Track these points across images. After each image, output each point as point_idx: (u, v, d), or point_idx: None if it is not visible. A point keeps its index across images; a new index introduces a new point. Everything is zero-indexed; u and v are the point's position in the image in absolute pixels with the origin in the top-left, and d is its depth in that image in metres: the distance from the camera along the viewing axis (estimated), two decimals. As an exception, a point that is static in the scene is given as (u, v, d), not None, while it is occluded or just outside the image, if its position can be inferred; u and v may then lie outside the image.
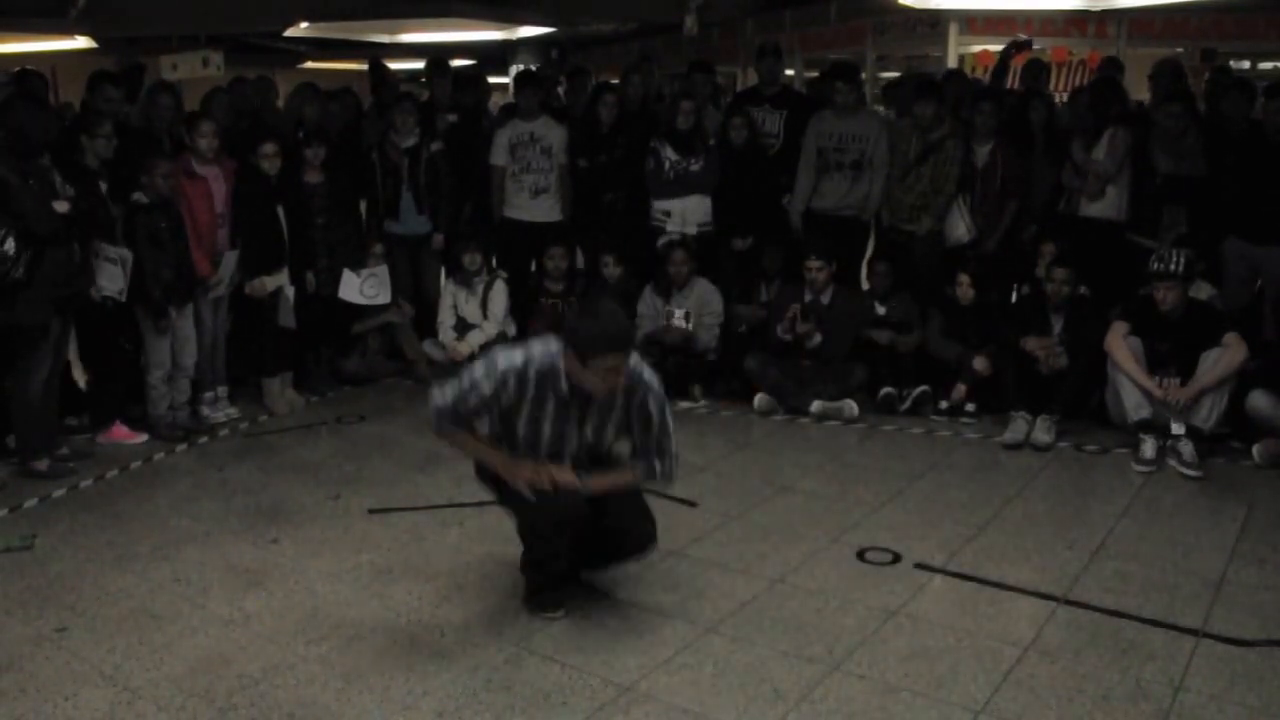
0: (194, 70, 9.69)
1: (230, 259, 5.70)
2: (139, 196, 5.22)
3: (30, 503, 4.64)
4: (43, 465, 4.92)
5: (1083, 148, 6.19)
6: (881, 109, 8.01)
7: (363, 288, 6.38)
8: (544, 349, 3.46)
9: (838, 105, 6.53)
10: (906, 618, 3.55)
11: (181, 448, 5.44)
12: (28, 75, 6.34)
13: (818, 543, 4.17)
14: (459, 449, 3.64)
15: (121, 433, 5.47)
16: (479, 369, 3.44)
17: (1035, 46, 10.54)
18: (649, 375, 3.51)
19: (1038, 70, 7.45)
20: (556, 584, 3.65)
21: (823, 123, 6.56)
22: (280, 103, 7.57)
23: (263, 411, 6.01)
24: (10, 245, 4.52)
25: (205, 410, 5.83)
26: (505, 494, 3.56)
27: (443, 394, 3.47)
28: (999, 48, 10.80)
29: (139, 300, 5.25)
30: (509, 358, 3.43)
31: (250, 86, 7.30)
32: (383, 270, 6.49)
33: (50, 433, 5.06)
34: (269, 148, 5.76)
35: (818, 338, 5.98)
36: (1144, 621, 3.51)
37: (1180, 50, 10.60)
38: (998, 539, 4.23)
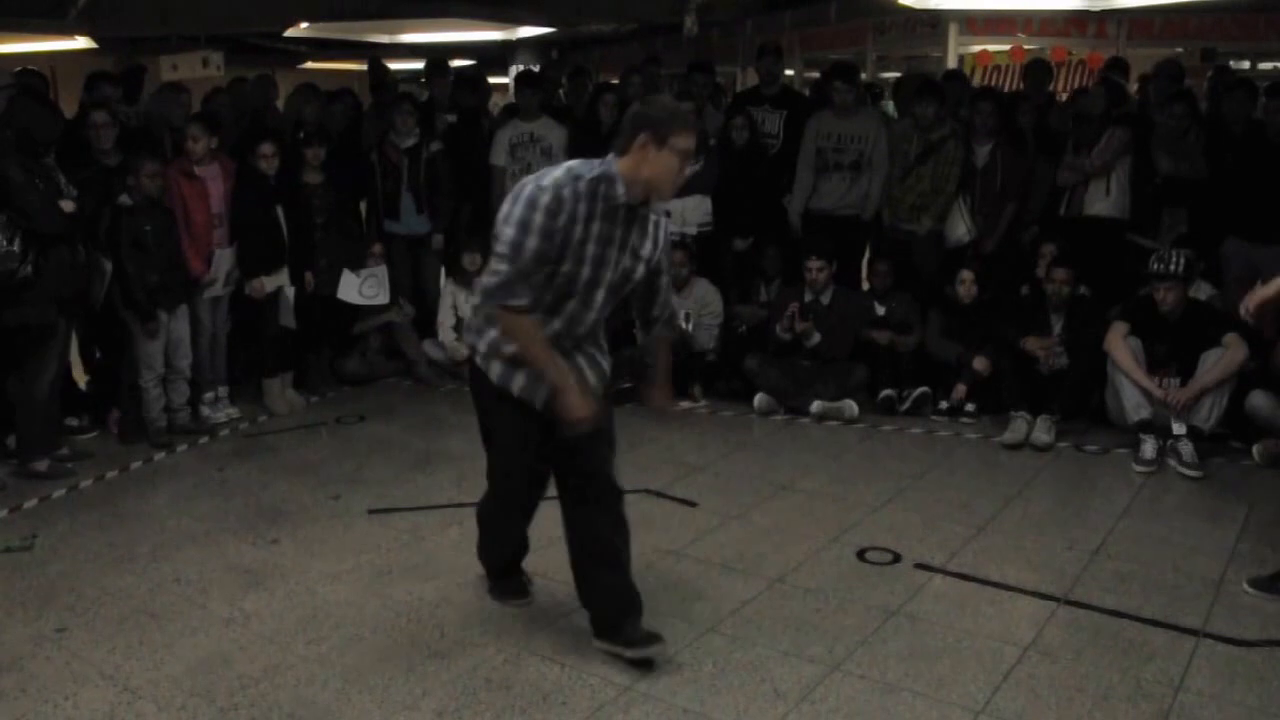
0: (194, 70, 9.68)
1: (223, 256, 5.69)
2: (124, 199, 5.21)
3: (30, 503, 4.64)
4: (42, 466, 4.92)
5: (1073, 149, 6.20)
6: (892, 104, 7.99)
7: (362, 288, 6.38)
8: (582, 165, 3.08)
9: (836, 105, 6.53)
10: (906, 618, 3.55)
11: (182, 448, 5.44)
12: (28, 75, 6.34)
13: (818, 543, 4.17)
14: (516, 337, 3.07)
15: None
16: (519, 214, 2.95)
17: (1035, 47, 10.56)
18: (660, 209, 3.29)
19: (1040, 71, 7.45)
20: (512, 568, 3.66)
21: (821, 123, 6.56)
22: (280, 103, 7.57)
23: (263, 411, 6.01)
24: (17, 244, 4.53)
25: (205, 410, 5.83)
26: (495, 436, 3.32)
27: (504, 273, 2.99)
28: (999, 48, 10.84)
29: (126, 304, 5.24)
30: (546, 177, 3.01)
31: (251, 86, 7.31)
32: (382, 270, 6.49)
33: (50, 434, 5.06)
34: (266, 148, 5.75)
35: (816, 336, 5.98)
36: (1144, 621, 3.51)
37: (1180, 50, 10.59)
38: (998, 539, 4.23)
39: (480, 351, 3.23)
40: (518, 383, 3.18)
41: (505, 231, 2.98)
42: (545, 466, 3.30)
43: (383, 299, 6.51)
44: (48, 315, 4.80)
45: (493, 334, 3.17)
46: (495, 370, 3.20)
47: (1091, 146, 6.14)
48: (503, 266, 3.00)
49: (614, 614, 3.30)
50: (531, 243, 2.96)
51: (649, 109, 3.07)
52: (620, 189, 3.02)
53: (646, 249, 3.19)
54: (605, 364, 3.34)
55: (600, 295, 3.15)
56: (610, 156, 3.06)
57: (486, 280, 3.08)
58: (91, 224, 5.04)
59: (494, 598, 3.66)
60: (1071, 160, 6.16)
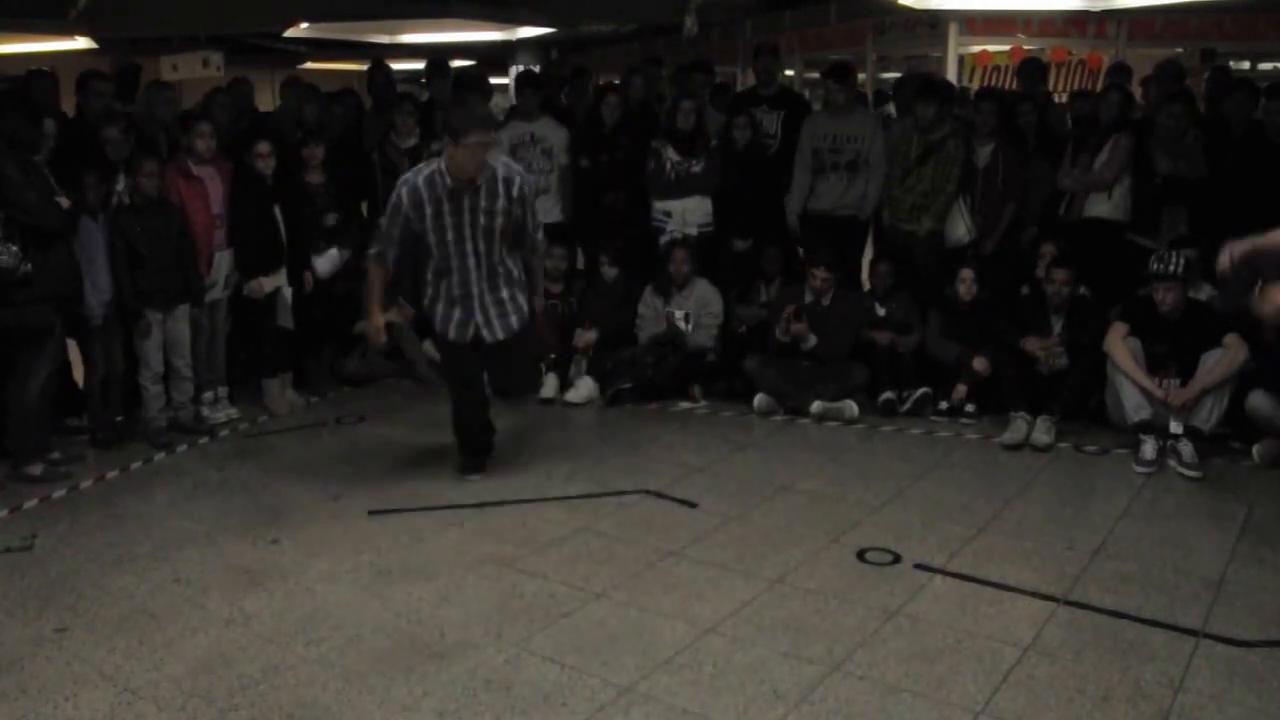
0: (194, 70, 9.70)
1: (223, 259, 5.68)
2: (122, 197, 5.21)
3: (30, 503, 4.65)
4: (36, 470, 4.91)
5: (1073, 153, 6.21)
6: (893, 106, 7.99)
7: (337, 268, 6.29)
8: (419, 169, 4.55)
9: (832, 105, 6.53)
10: (906, 618, 3.55)
11: (182, 448, 5.44)
12: (38, 76, 6.30)
13: (818, 543, 4.17)
14: (370, 284, 4.77)
15: None
16: (392, 200, 4.52)
17: (1035, 47, 10.56)
18: (517, 169, 4.67)
19: (1034, 70, 7.45)
20: (476, 449, 4.94)
21: (817, 124, 6.56)
22: (274, 102, 7.56)
23: (263, 412, 6.01)
24: (15, 242, 4.53)
25: (205, 411, 5.83)
26: (445, 370, 4.95)
27: (379, 231, 4.69)
28: (999, 48, 10.83)
29: (117, 304, 5.25)
30: (405, 178, 4.53)
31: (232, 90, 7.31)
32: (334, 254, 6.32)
33: (44, 437, 5.06)
34: (263, 147, 5.74)
35: (812, 339, 5.98)
36: (1144, 622, 3.51)
37: (1180, 50, 10.59)
38: (998, 539, 4.23)
39: (428, 311, 4.80)
40: (439, 323, 4.73)
41: (391, 201, 4.55)
42: (478, 370, 4.86)
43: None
44: (46, 316, 4.80)
45: (429, 294, 4.69)
46: (443, 328, 4.73)
47: (1093, 151, 6.14)
48: (385, 221, 4.62)
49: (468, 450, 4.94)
50: (398, 205, 4.50)
51: (451, 116, 4.44)
52: (446, 180, 4.39)
53: (499, 204, 4.45)
54: (517, 306, 4.72)
55: (472, 247, 4.49)
56: (438, 161, 4.45)
57: (377, 232, 4.79)
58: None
59: (458, 473, 4.90)
60: (1079, 174, 6.16)
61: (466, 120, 4.32)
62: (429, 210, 4.44)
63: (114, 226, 5.19)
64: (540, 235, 4.89)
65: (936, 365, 5.97)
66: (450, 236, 4.50)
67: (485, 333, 4.68)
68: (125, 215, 5.22)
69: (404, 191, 4.47)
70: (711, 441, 5.52)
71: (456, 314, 4.68)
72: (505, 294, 4.69)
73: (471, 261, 4.56)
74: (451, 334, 4.71)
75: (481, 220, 4.46)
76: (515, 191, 4.53)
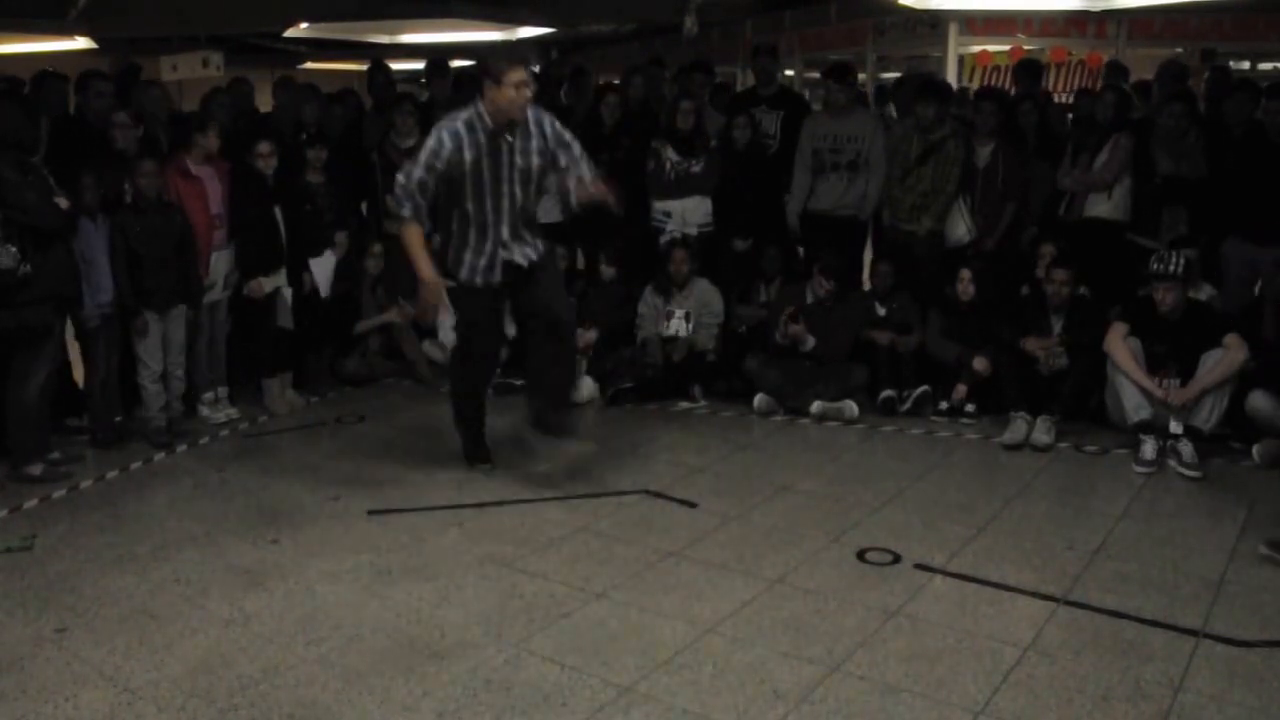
0: (194, 70, 9.70)
1: (220, 259, 5.68)
2: (126, 193, 5.22)
3: (30, 503, 4.65)
4: (36, 470, 4.91)
5: (1072, 154, 6.21)
6: (892, 107, 8.00)
7: (332, 277, 6.31)
8: (455, 114, 4.35)
9: (832, 106, 6.53)
10: (906, 618, 3.55)
11: (182, 448, 5.44)
12: (50, 77, 6.29)
13: (818, 543, 4.17)
14: (407, 242, 4.46)
15: None
16: (428, 145, 4.31)
17: (1035, 47, 10.56)
18: (541, 111, 4.52)
19: (1030, 71, 7.44)
20: (479, 438, 4.88)
21: (817, 124, 6.57)
22: (265, 102, 7.57)
23: (263, 412, 6.01)
24: (14, 243, 4.53)
25: (205, 411, 5.83)
26: (463, 312, 4.75)
27: (406, 175, 4.35)
28: (999, 48, 10.84)
29: (116, 302, 5.25)
30: (441, 124, 4.32)
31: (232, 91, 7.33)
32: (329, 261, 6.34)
33: (44, 437, 5.06)
34: (264, 147, 5.75)
35: (810, 341, 5.98)
36: (1144, 622, 3.51)
37: (1180, 50, 10.60)
38: (998, 539, 4.23)
39: (453, 262, 4.56)
40: (466, 272, 4.53)
41: (424, 144, 4.38)
42: (496, 338, 4.87)
43: (325, 292, 6.34)
44: (45, 316, 4.80)
45: (455, 244, 4.49)
46: (471, 278, 4.54)
47: (1093, 151, 6.14)
48: (410, 168, 4.38)
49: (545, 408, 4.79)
50: (433, 152, 4.32)
51: (487, 61, 4.29)
52: (487, 120, 4.26)
53: (534, 144, 4.36)
54: (535, 246, 4.61)
55: (508, 190, 4.36)
56: (477, 98, 4.29)
57: (399, 180, 4.41)
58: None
59: (467, 464, 4.85)
60: (1079, 175, 6.17)
61: (508, 57, 4.23)
62: (468, 155, 4.30)
63: (114, 225, 5.19)
64: (585, 162, 4.61)
65: (936, 365, 5.97)
66: (488, 181, 4.36)
67: (518, 257, 4.52)
68: (125, 214, 5.22)
69: (444, 135, 4.29)
70: (711, 441, 5.51)
71: (483, 261, 4.52)
72: (527, 235, 4.59)
73: (506, 205, 4.43)
74: (479, 279, 4.53)
75: (519, 162, 4.36)
76: (548, 129, 4.45)
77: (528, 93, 4.20)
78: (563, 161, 4.48)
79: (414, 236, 4.43)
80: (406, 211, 4.38)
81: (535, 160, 4.43)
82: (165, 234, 5.32)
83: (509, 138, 4.31)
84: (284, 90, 7.37)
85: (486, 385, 4.99)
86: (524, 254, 4.56)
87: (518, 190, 4.43)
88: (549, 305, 4.66)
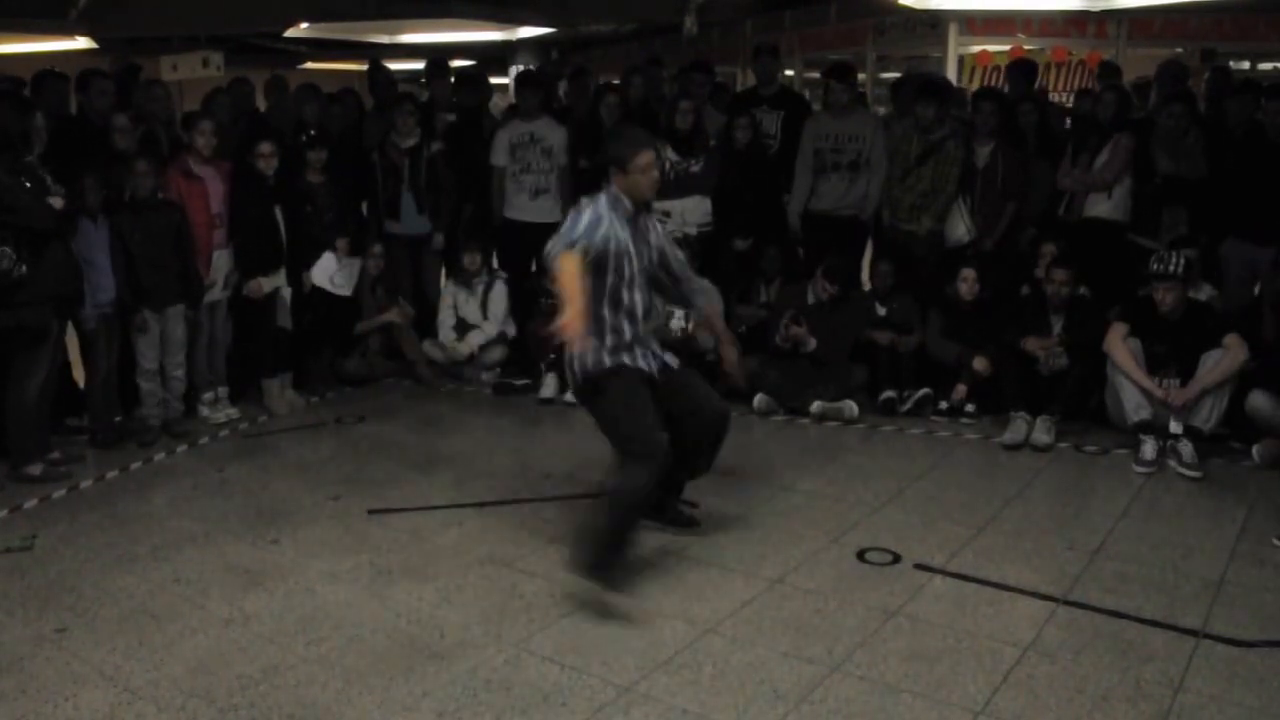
0: (194, 70, 9.69)
1: (221, 258, 5.67)
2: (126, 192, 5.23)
3: (30, 503, 4.65)
4: (36, 470, 4.91)
5: (1072, 154, 6.21)
6: (884, 110, 8.02)
7: (334, 276, 6.31)
8: (597, 196, 3.96)
9: (833, 106, 6.53)
10: (906, 618, 3.55)
11: (181, 448, 5.44)
12: (51, 77, 6.28)
13: (818, 543, 4.17)
14: (562, 280, 3.73)
15: None
16: (579, 219, 3.83)
17: (1035, 47, 10.56)
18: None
19: (1023, 72, 7.43)
20: (627, 550, 3.83)
21: (818, 124, 6.56)
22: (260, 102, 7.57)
23: (263, 412, 6.01)
24: (10, 244, 4.52)
25: (205, 411, 5.84)
26: (617, 407, 3.87)
27: (554, 242, 3.83)
28: (999, 48, 10.83)
29: (116, 301, 5.25)
30: (588, 204, 3.90)
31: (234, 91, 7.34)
32: (356, 264, 6.42)
33: (44, 437, 5.06)
34: (265, 147, 5.75)
35: (812, 342, 5.98)
36: (1144, 622, 3.51)
37: (1180, 50, 10.60)
38: (998, 539, 4.23)
39: (586, 361, 3.92)
40: (610, 355, 3.92)
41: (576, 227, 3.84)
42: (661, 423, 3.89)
43: (347, 291, 6.41)
44: (44, 316, 4.79)
45: (596, 329, 3.89)
46: (605, 360, 3.91)
47: (1093, 151, 6.14)
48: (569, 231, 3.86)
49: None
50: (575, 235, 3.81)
51: (611, 148, 4.04)
52: (626, 201, 3.94)
53: (653, 238, 4.09)
54: (660, 355, 4.09)
55: (640, 280, 3.99)
56: (605, 187, 3.97)
57: (553, 244, 3.86)
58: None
59: (596, 580, 3.63)
60: (1079, 175, 6.17)
61: (629, 146, 3.97)
62: (625, 232, 3.93)
63: (111, 225, 5.19)
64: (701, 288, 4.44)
65: (936, 365, 5.97)
66: (634, 262, 3.98)
67: (667, 359, 4.10)
68: (122, 214, 5.22)
69: (604, 218, 3.86)
70: (711, 441, 5.51)
71: (635, 349, 3.99)
72: (653, 347, 4.13)
73: (640, 293, 4.02)
74: (631, 361, 3.95)
75: (653, 241, 4.11)
76: (661, 230, 4.23)
77: (655, 173, 4.03)
78: (674, 266, 4.20)
79: (569, 268, 3.75)
80: (559, 249, 3.79)
81: (656, 253, 4.11)
82: (162, 233, 5.32)
83: (644, 220, 4.09)
84: (276, 90, 7.40)
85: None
86: (665, 358, 4.11)
87: (643, 279, 4.05)
88: (712, 398, 4.16)
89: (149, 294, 5.31)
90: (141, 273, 5.27)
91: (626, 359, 3.94)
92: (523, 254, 6.98)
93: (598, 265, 3.87)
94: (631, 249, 3.96)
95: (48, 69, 6.37)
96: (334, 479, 4.95)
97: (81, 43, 9.37)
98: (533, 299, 6.73)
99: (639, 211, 4.03)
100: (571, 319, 3.62)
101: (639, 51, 12.78)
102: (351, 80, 11.62)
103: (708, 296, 4.47)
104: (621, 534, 3.74)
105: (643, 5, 10.61)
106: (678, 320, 6.29)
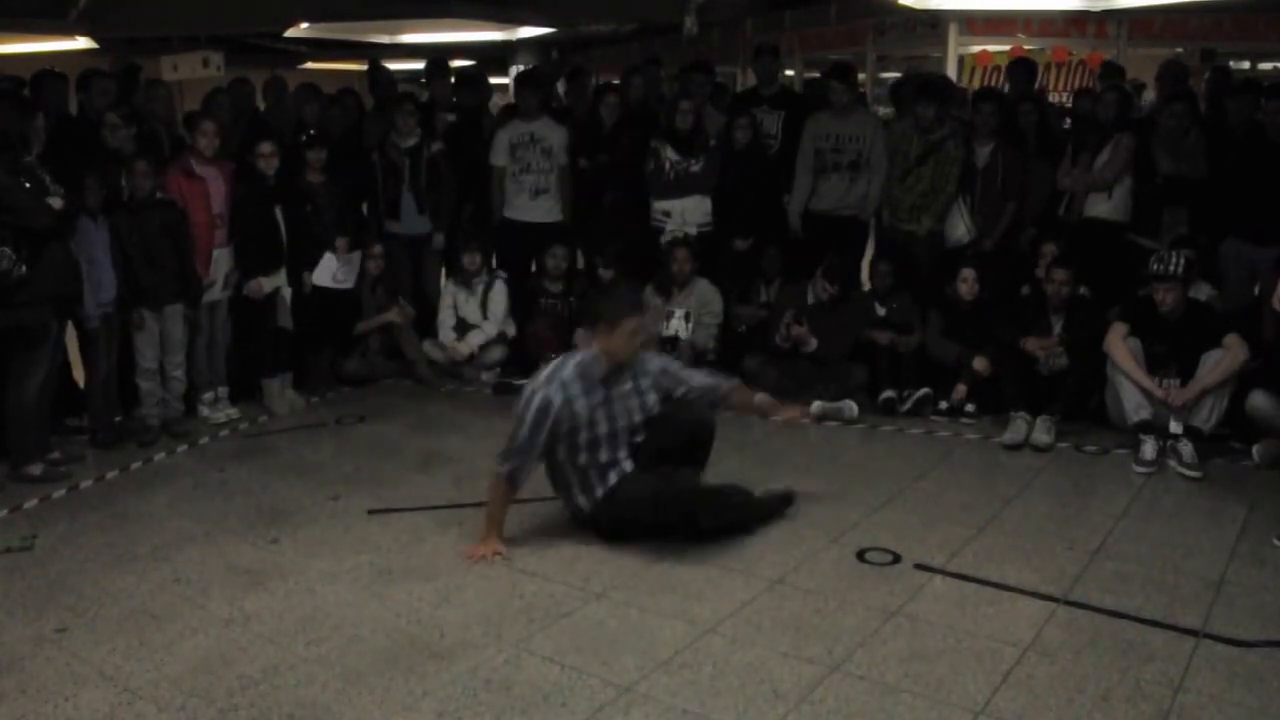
0: (194, 70, 9.70)
1: (220, 257, 5.67)
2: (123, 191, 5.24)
3: (30, 503, 4.65)
4: (36, 470, 4.91)
5: (1073, 154, 6.21)
6: (882, 110, 8.03)
7: (337, 273, 6.31)
8: (564, 361, 4.07)
9: (834, 106, 6.53)
10: (906, 618, 3.55)
11: (182, 448, 5.44)
12: (51, 77, 6.28)
13: (818, 543, 4.17)
14: (490, 500, 4.10)
15: None
16: (535, 406, 3.94)
17: (1035, 47, 10.56)
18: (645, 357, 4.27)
19: (1023, 71, 7.43)
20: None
21: (819, 124, 6.56)
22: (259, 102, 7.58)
23: (263, 412, 6.01)
24: (9, 244, 4.52)
25: (205, 411, 5.84)
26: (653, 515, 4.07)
27: (513, 435, 3.99)
28: (999, 48, 10.84)
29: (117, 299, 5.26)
30: (545, 383, 3.98)
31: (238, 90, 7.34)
32: (355, 256, 6.41)
33: (43, 437, 5.06)
34: (266, 147, 5.75)
35: (813, 343, 5.98)
36: (1144, 622, 3.51)
37: (1180, 50, 10.61)
38: (998, 539, 4.23)
39: (576, 507, 4.21)
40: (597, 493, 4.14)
41: (524, 422, 3.97)
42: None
43: (350, 284, 6.41)
44: (43, 316, 4.79)
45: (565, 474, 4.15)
46: (583, 504, 4.16)
47: (1093, 151, 6.14)
48: (517, 443, 4.00)
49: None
50: (525, 432, 3.97)
51: (603, 303, 4.16)
52: (601, 365, 4.03)
53: (646, 383, 4.18)
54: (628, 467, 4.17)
55: (625, 426, 4.09)
56: (579, 353, 4.12)
57: (502, 459, 4.03)
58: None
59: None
60: (1079, 175, 6.17)
61: (624, 308, 4.04)
62: (583, 404, 4.00)
63: (109, 224, 5.19)
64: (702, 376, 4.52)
65: (936, 365, 5.97)
66: (603, 425, 4.06)
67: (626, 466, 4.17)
68: (120, 213, 5.22)
69: (554, 397, 3.94)
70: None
71: (609, 474, 4.13)
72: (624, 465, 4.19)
73: (620, 442, 4.13)
74: (607, 485, 4.14)
75: (635, 401, 4.15)
76: (654, 365, 4.29)
77: (639, 339, 4.08)
78: (678, 391, 4.33)
79: (500, 496, 4.06)
80: (505, 470, 4.00)
81: (651, 399, 4.21)
82: (160, 232, 5.32)
83: (617, 388, 4.09)
84: (274, 90, 7.40)
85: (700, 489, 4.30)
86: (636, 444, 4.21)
87: (636, 422, 4.17)
88: (682, 417, 4.31)
89: (146, 293, 5.31)
90: (139, 272, 5.27)
91: (601, 491, 4.11)
92: (523, 254, 6.99)
93: (552, 439, 4.01)
94: (595, 416, 4.00)
95: (47, 69, 6.37)
96: (334, 479, 4.95)
97: (81, 43, 9.37)
98: (533, 299, 6.73)
99: (617, 370, 4.05)
100: (483, 547, 4.00)
101: (639, 51, 12.79)
102: (351, 80, 11.62)
103: (727, 381, 4.59)
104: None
105: (643, 5, 10.62)
106: (677, 321, 6.28)
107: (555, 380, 3.99)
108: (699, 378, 4.50)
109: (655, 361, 4.35)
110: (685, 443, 4.26)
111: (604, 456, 4.08)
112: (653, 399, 4.22)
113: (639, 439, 4.18)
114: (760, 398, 4.78)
